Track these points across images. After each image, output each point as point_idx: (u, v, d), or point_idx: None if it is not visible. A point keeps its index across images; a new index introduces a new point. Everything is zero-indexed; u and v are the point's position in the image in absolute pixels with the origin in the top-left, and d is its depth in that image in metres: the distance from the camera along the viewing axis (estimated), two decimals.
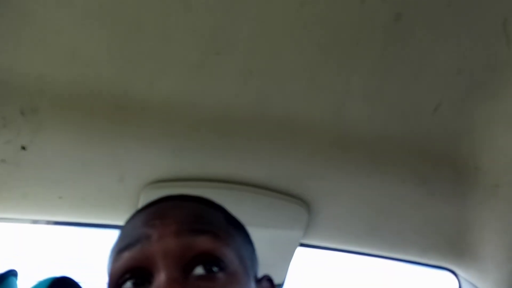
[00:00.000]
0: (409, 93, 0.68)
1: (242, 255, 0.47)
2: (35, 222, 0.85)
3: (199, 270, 0.42)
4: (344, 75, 0.66)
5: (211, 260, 0.43)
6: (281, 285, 0.96)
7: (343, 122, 0.73)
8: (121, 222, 0.85)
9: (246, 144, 0.75)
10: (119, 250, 0.45)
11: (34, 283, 0.59)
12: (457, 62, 0.64)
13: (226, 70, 0.64)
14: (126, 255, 0.43)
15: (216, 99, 0.68)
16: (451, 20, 0.59)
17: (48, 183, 0.75)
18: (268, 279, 0.52)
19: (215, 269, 0.42)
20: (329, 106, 0.70)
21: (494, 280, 0.86)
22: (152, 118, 0.69)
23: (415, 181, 0.81)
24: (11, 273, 0.63)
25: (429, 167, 0.79)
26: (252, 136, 0.74)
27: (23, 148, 0.70)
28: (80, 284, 0.64)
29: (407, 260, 0.97)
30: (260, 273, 0.52)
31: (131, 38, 0.60)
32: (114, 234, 0.91)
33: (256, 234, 0.85)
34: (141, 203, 0.78)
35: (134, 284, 0.43)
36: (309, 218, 0.87)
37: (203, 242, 0.43)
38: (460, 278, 0.98)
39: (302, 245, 0.92)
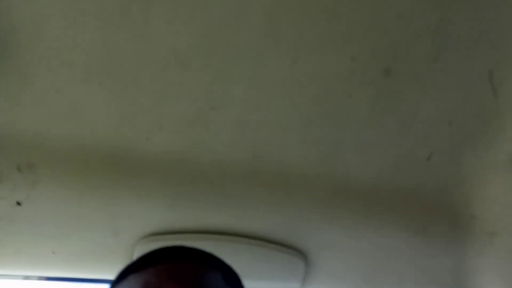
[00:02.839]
0: (402, 143, 0.69)
1: None
2: (27, 278, 0.83)
3: None
4: (337, 127, 0.67)
5: None
6: None
7: (337, 173, 0.73)
8: (114, 277, 0.83)
9: (241, 196, 0.75)
10: None
11: None
12: (447, 113, 0.65)
13: (221, 124, 0.65)
14: None
15: (212, 152, 0.69)
16: (439, 74, 0.61)
17: (42, 238, 0.74)
18: None
19: None
20: (323, 157, 0.71)
21: None
22: (147, 172, 0.70)
23: (411, 231, 0.81)
24: None
25: (424, 216, 0.79)
26: (248, 188, 0.74)
27: (18, 203, 0.70)
28: None
29: None
30: None
31: (129, 95, 0.61)
32: None
33: (254, 287, 0.84)
34: (135, 257, 0.77)
35: None
36: (306, 270, 0.85)
37: None
38: None
39: None
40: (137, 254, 0.77)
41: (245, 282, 0.57)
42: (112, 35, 0.55)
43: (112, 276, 0.83)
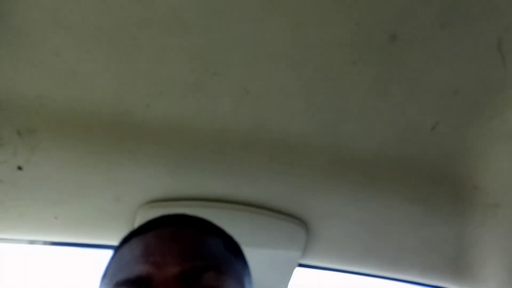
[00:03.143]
0: (406, 113, 0.68)
1: (243, 283, 0.47)
2: (32, 242, 0.84)
3: None
4: (340, 95, 0.66)
5: None
6: None
7: (340, 142, 0.73)
8: (117, 242, 0.84)
9: (243, 164, 0.75)
10: (116, 283, 0.44)
11: None
12: (453, 82, 0.64)
13: (222, 91, 0.65)
14: None
15: (213, 119, 0.68)
16: (446, 41, 0.59)
17: (44, 203, 0.75)
18: None
19: None
20: (325, 126, 0.70)
21: None
22: (148, 138, 0.69)
23: (413, 201, 0.81)
24: None
25: (427, 187, 0.79)
26: (249, 156, 0.73)
27: (19, 168, 0.70)
28: None
29: (406, 280, 0.96)
30: None
31: (128, 59, 0.60)
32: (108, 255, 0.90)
33: (254, 255, 0.84)
34: (137, 223, 0.78)
35: None
36: (307, 239, 0.86)
37: (207, 281, 0.43)
38: None
39: (300, 265, 0.91)
40: (139, 220, 0.78)
41: (246, 249, 0.57)
42: None
43: (114, 242, 0.85)
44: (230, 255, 0.49)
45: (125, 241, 0.50)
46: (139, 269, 0.43)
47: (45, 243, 0.84)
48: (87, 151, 0.69)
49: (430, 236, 0.85)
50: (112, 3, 0.54)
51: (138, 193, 0.77)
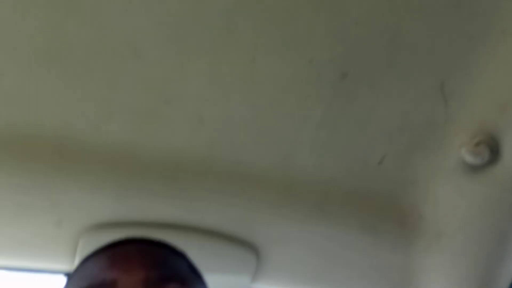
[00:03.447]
0: (355, 145, 0.70)
1: None
2: None
3: None
4: (293, 127, 0.67)
5: None
6: None
7: (291, 170, 0.74)
8: (58, 267, 0.81)
9: (194, 189, 0.74)
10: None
11: None
12: (399, 119, 0.67)
13: (175, 118, 0.64)
14: None
15: (165, 145, 0.67)
16: (393, 81, 0.62)
17: None
18: None
19: None
20: (278, 155, 0.71)
21: None
22: (95, 161, 0.67)
23: (362, 229, 0.82)
24: None
25: (375, 216, 0.81)
26: (201, 182, 0.73)
27: None
28: None
29: None
30: None
31: (77, 83, 0.59)
32: (51, 279, 0.86)
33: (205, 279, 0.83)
34: (81, 248, 0.75)
35: None
36: (258, 264, 0.86)
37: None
38: None
39: None
40: (82, 245, 0.75)
41: None
42: (61, 21, 0.52)
43: (57, 267, 0.81)
44: (194, 274, 0.51)
45: (88, 257, 0.50)
46: (104, 274, 0.43)
47: None
48: (28, 173, 0.66)
49: (377, 263, 0.87)
50: (62, 28, 0.53)
51: (82, 217, 0.74)
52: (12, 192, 0.68)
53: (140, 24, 0.54)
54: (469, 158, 0.70)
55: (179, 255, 0.52)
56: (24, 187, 0.68)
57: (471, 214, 0.77)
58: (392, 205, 0.80)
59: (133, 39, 0.55)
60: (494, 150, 0.69)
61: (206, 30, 0.56)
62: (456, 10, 0.59)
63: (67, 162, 0.67)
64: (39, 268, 0.81)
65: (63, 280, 0.85)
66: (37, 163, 0.66)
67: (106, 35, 0.54)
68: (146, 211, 0.76)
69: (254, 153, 0.70)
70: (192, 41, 0.56)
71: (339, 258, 0.86)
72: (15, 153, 0.64)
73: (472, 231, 0.78)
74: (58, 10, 0.52)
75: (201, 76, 0.60)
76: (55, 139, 0.64)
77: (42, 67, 0.57)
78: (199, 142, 0.67)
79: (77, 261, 0.77)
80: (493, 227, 0.77)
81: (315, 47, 0.56)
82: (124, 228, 0.76)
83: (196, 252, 0.81)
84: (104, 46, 0.55)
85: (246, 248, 0.83)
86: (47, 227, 0.73)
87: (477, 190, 0.74)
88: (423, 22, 0.57)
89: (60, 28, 0.53)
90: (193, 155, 0.68)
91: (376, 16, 0.55)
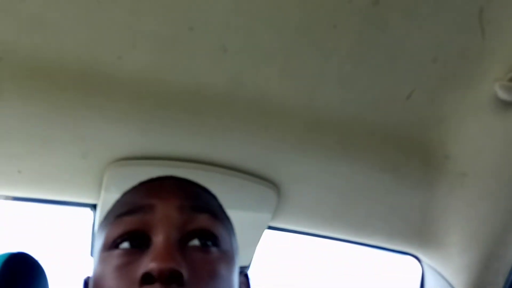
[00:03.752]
0: (383, 79, 0.68)
1: (232, 239, 0.51)
2: None
3: (194, 242, 0.45)
4: (319, 59, 0.65)
5: (207, 236, 0.46)
6: (247, 267, 0.96)
7: (315, 106, 0.72)
8: (84, 200, 0.82)
9: (216, 124, 0.73)
10: (119, 214, 0.47)
11: None
12: (432, 50, 0.64)
13: (199, 46, 0.62)
14: (127, 219, 0.46)
15: (188, 76, 0.66)
16: (428, 8, 0.58)
17: (7, 157, 0.72)
18: (245, 274, 0.55)
19: (209, 243, 0.46)
20: (302, 89, 0.69)
21: (456, 266, 0.89)
22: (119, 93, 0.66)
23: (384, 168, 0.82)
24: None
25: (399, 154, 0.80)
26: (223, 116, 0.72)
27: None
28: (38, 261, 0.62)
29: (373, 245, 0.98)
30: None
31: (100, 8, 0.57)
32: (76, 212, 0.88)
33: None
34: (106, 181, 0.76)
35: (131, 245, 0.45)
36: (278, 201, 0.86)
37: (202, 219, 0.47)
38: (423, 264, 1.00)
39: (270, 227, 0.92)
40: (107, 178, 0.76)
41: None
42: None
43: (80, 199, 0.83)
44: (222, 211, 0.54)
45: (128, 190, 0.53)
46: (143, 201, 0.47)
47: (7, 198, 0.81)
48: (53, 104, 0.66)
49: (398, 203, 0.86)
50: None
51: (107, 150, 0.74)
52: (37, 124, 0.69)
53: None
54: (503, 94, 0.67)
55: (211, 194, 0.55)
56: (48, 118, 0.68)
57: (498, 154, 0.75)
58: (417, 143, 0.79)
59: None
60: None
61: None
62: None
63: (90, 93, 0.66)
64: (65, 200, 0.82)
65: (89, 213, 0.87)
66: (61, 94, 0.66)
67: None
68: (169, 146, 0.76)
69: (278, 86, 0.68)
70: None
71: (359, 197, 0.86)
72: (37, 82, 0.64)
73: (498, 172, 0.77)
74: None
75: (225, 2, 0.57)
76: (78, 67, 0.63)
77: None
78: (221, 72, 0.65)
79: (102, 194, 0.78)
80: None
81: None
82: (148, 162, 0.77)
83: (218, 188, 0.81)
84: None
85: (267, 185, 0.83)
86: (73, 160, 0.74)
87: (507, 128, 0.72)
88: None
89: None
90: (216, 86, 0.67)
91: None
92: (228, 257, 0.47)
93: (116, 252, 0.45)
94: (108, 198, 0.78)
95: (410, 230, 0.91)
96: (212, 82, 0.67)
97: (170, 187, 0.50)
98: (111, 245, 0.46)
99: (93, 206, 0.85)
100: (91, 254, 0.89)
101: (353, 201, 0.88)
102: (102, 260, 0.46)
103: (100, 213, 0.81)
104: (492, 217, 0.82)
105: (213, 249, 0.46)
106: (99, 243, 0.49)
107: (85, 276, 0.52)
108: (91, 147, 0.73)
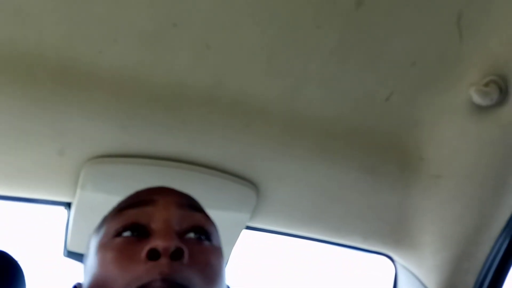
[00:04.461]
0: (364, 80, 0.69)
1: (219, 239, 0.55)
2: None
3: (190, 235, 0.50)
4: (302, 58, 0.66)
5: (202, 232, 0.50)
6: None
7: (297, 106, 0.72)
8: (59, 198, 0.80)
9: (197, 123, 0.73)
10: (121, 208, 0.51)
11: None
12: (412, 54, 0.65)
13: (182, 43, 0.62)
14: (130, 212, 0.50)
15: (170, 73, 0.65)
16: (410, 12, 0.60)
17: None
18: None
19: (203, 237, 0.50)
20: (284, 89, 0.70)
21: (428, 266, 0.91)
22: (98, 89, 0.65)
23: (362, 169, 0.83)
24: None
25: (376, 155, 0.81)
26: (205, 114, 0.71)
27: None
28: (15, 259, 0.60)
29: (348, 245, 1.00)
30: None
31: (81, 0, 0.56)
32: (52, 210, 0.86)
33: None
34: (82, 178, 0.74)
35: (132, 234, 0.48)
36: (257, 201, 0.86)
37: (198, 217, 0.51)
38: (396, 264, 1.02)
39: (248, 227, 0.92)
40: (83, 175, 0.74)
41: None
42: None
43: (57, 197, 0.81)
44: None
45: (130, 194, 0.57)
46: (144, 197, 0.52)
47: None
48: (30, 98, 0.64)
49: (374, 203, 0.88)
50: None
51: (84, 147, 0.73)
52: (14, 117, 0.67)
53: None
54: (477, 98, 0.69)
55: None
56: (26, 112, 0.66)
57: (471, 157, 0.77)
58: (394, 145, 0.80)
59: None
60: (503, 91, 0.68)
61: None
62: None
63: (69, 87, 0.65)
64: (39, 198, 0.80)
65: (63, 212, 0.85)
66: (39, 88, 0.64)
67: None
68: (149, 144, 0.75)
69: (260, 84, 0.68)
70: None
71: (338, 197, 0.87)
72: (16, 74, 0.62)
73: (471, 174, 0.79)
74: None
75: None
76: (58, 61, 0.61)
77: None
78: (204, 70, 0.65)
79: (78, 192, 0.76)
80: (492, 170, 0.78)
81: None
82: (126, 160, 0.76)
83: (197, 188, 0.80)
84: None
85: (247, 185, 0.83)
86: (49, 156, 0.72)
87: (480, 132, 0.74)
88: None
89: None
90: (198, 84, 0.67)
91: None
92: (219, 252, 0.51)
93: (118, 239, 0.48)
94: (83, 196, 0.77)
95: (385, 230, 0.92)
96: (195, 80, 0.66)
97: (169, 189, 0.55)
98: (113, 234, 0.49)
99: (68, 205, 0.83)
100: (64, 254, 0.87)
101: (331, 201, 0.88)
102: (104, 248, 0.48)
103: (75, 212, 0.79)
104: (464, 218, 0.84)
105: (207, 243, 0.50)
106: (98, 236, 0.51)
107: (75, 283, 0.54)
108: (68, 144, 0.71)
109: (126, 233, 0.48)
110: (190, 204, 0.52)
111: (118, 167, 0.75)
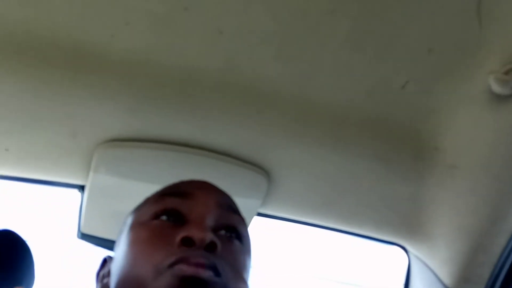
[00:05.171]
0: (379, 67, 0.68)
1: (250, 245, 0.56)
2: None
3: (222, 232, 0.51)
4: (315, 44, 0.64)
5: (234, 232, 0.52)
6: None
7: (309, 92, 0.72)
8: (72, 180, 0.81)
9: (209, 107, 0.73)
10: (163, 194, 0.54)
11: None
12: (428, 40, 0.63)
13: (194, 28, 0.61)
14: (171, 199, 0.52)
15: (182, 57, 0.65)
16: None
17: None
18: None
19: (234, 236, 0.52)
20: (297, 74, 0.69)
21: (442, 258, 0.89)
22: (111, 72, 0.65)
23: (375, 158, 0.82)
24: None
25: (390, 144, 0.80)
26: (216, 99, 0.71)
27: None
28: (24, 238, 0.61)
29: (360, 235, 0.99)
30: None
31: None
32: (64, 192, 0.87)
33: None
34: (95, 162, 0.75)
35: (168, 219, 0.50)
36: (268, 188, 0.86)
37: (235, 219, 0.53)
38: (410, 255, 1.01)
39: (259, 214, 0.92)
40: (96, 159, 0.75)
41: None
42: None
43: (68, 180, 0.82)
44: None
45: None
46: (186, 189, 0.54)
47: None
48: (43, 81, 0.65)
49: (387, 193, 0.87)
50: None
51: (97, 131, 0.73)
52: (26, 101, 0.67)
53: None
54: (497, 87, 0.67)
55: None
56: (38, 95, 0.67)
57: (488, 147, 0.75)
58: (409, 134, 0.79)
59: None
60: None
61: None
62: None
63: (81, 71, 0.65)
64: (53, 180, 0.81)
65: (78, 194, 0.86)
66: (51, 71, 0.64)
67: None
68: (160, 128, 0.75)
69: (273, 70, 0.67)
70: None
71: (350, 186, 0.86)
72: (27, 57, 0.62)
73: (487, 165, 0.77)
74: None
75: None
76: (69, 44, 0.61)
77: None
78: (216, 55, 0.64)
79: (91, 175, 0.77)
80: (509, 161, 0.75)
81: None
82: (138, 144, 0.76)
83: (208, 173, 0.80)
84: None
85: (258, 171, 0.83)
86: (62, 139, 0.73)
87: (498, 122, 0.72)
88: None
89: None
90: (209, 68, 0.66)
91: None
92: (249, 252, 0.54)
93: (155, 221, 0.50)
94: (96, 179, 0.78)
95: (398, 221, 0.91)
96: (206, 65, 0.66)
97: (211, 185, 0.57)
98: (151, 217, 0.51)
99: (81, 187, 0.84)
100: (78, 236, 0.88)
101: (343, 189, 0.88)
102: (140, 227, 0.51)
103: (88, 194, 0.80)
104: (479, 210, 0.82)
105: (237, 242, 0.52)
106: (136, 215, 0.54)
107: (105, 256, 0.57)
108: (81, 127, 0.72)
109: (163, 217, 0.50)
110: (229, 205, 0.55)
111: (130, 151, 0.75)
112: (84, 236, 0.88)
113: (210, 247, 0.46)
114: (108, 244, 0.86)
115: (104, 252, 0.85)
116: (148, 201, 0.55)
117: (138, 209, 0.55)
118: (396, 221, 0.91)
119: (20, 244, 0.59)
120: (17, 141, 0.72)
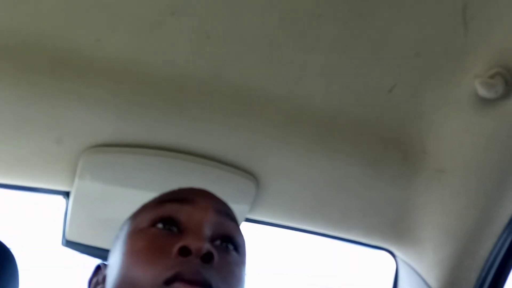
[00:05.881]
0: (366, 72, 0.68)
1: (245, 251, 0.56)
2: None
3: (217, 242, 0.52)
4: (303, 49, 0.64)
5: (231, 242, 0.52)
6: None
7: (298, 97, 0.71)
8: (57, 187, 0.80)
9: (196, 113, 0.72)
10: (161, 201, 0.54)
11: None
12: (415, 44, 0.64)
13: (181, 32, 0.61)
14: (169, 206, 0.52)
15: (169, 62, 0.64)
16: (414, 1, 0.58)
17: None
18: None
19: (230, 246, 0.52)
20: (285, 79, 0.69)
21: (430, 262, 0.90)
22: (97, 77, 0.64)
23: (363, 162, 0.82)
24: None
25: (378, 149, 0.80)
26: (205, 104, 0.71)
27: None
28: (8, 247, 0.60)
29: (349, 240, 0.99)
30: None
31: None
32: (49, 199, 0.86)
33: None
34: (80, 168, 0.74)
35: (164, 227, 0.50)
36: (257, 193, 0.85)
37: (231, 227, 0.53)
38: (397, 259, 1.01)
39: (248, 220, 0.91)
40: (82, 165, 0.74)
41: None
42: None
43: (54, 186, 0.80)
44: None
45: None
46: (185, 195, 0.54)
47: None
48: (28, 86, 0.64)
49: (376, 197, 0.87)
50: None
51: (83, 136, 0.72)
52: (11, 106, 0.66)
53: None
54: (482, 91, 0.68)
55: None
56: (24, 100, 0.66)
57: (475, 150, 0.76)
58: (397, 138, 0.79)
59: None
60: (509, 84, 0.67)
61: None
62: None
63: (67, 76, 0.64)
64: (38, 187, 0.80)
65: (62, 201, 0.84)
66: (36, 76, 0.63)
67: None
68: (148, 133, 0.74)
69: (261, 75, 0.67)
70: None
71: (339, 191, 0.86)
72: (14, 63, 0.61)
73: (474, 169, 0.78)
74: None
75: None
76: (55, 49, 0.61)
77: None
78: (204, 60, 0.64)
79: (76, 182, 0.76)
80: (496, 165, 0.76)
81: None
82: (125, 149, 0.75)
83: (196, 179, 0.80)
84: None
85: (246, 177, 0.83)
86: (47, 145, 0.72)
87: (485, 125, 0.72)
88: None
89: None
90: (197, 74, 0.66)
91: None
92: (244, 264, 0.53)
93: (152, 229, 0.50)
94: (82, 186, 0.76)
95: (386, 225, 0.91)
96: (194, 69, 0.66)
97: (209, 193, 0.57)
98: (148, 224, 0.51)
99: (66, 194, 0.83)
100: (62, 243, 0.87)
101: (332, 194, 0.88)
102: (137, 235, 0.50)
103: (73, 201, 0.79)
104: (467, 214, 0.83)
105: (233, 253, 0.52)
106: (133, 222, 0.53)
107: (98, 263, 0.57)
108: (66, 133, 0.71)
109: (159, 225, 0.50)
110: (227, 213, 0.55)
111: (116, 156, 0.74)
112: (69, 243, 0.86)
113: (207, 258, 0.46)
114: (94, 251, 0.84)
115: (89, 260, 0.84)
116: (145, 208, 0.55)
117: (135, 216, 0.55)
118: (385, 225, 0.91)
119: (3, 252, 0.58)
120: (1, 147, 0.71)
